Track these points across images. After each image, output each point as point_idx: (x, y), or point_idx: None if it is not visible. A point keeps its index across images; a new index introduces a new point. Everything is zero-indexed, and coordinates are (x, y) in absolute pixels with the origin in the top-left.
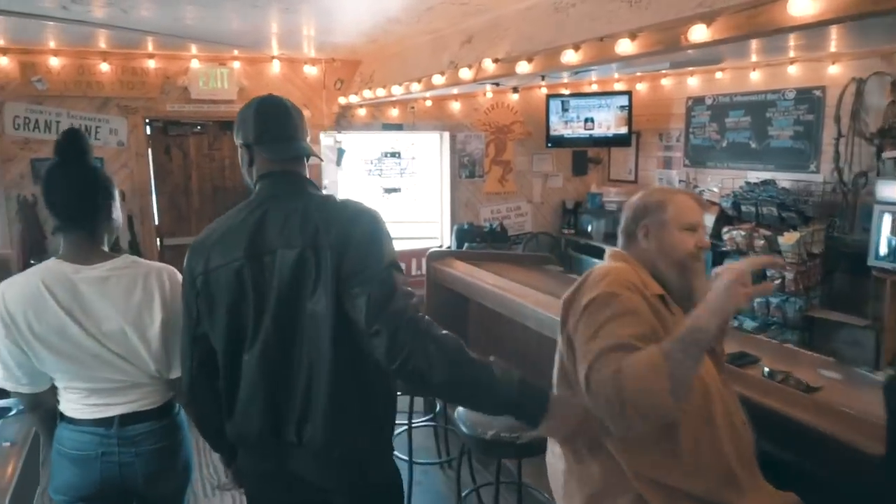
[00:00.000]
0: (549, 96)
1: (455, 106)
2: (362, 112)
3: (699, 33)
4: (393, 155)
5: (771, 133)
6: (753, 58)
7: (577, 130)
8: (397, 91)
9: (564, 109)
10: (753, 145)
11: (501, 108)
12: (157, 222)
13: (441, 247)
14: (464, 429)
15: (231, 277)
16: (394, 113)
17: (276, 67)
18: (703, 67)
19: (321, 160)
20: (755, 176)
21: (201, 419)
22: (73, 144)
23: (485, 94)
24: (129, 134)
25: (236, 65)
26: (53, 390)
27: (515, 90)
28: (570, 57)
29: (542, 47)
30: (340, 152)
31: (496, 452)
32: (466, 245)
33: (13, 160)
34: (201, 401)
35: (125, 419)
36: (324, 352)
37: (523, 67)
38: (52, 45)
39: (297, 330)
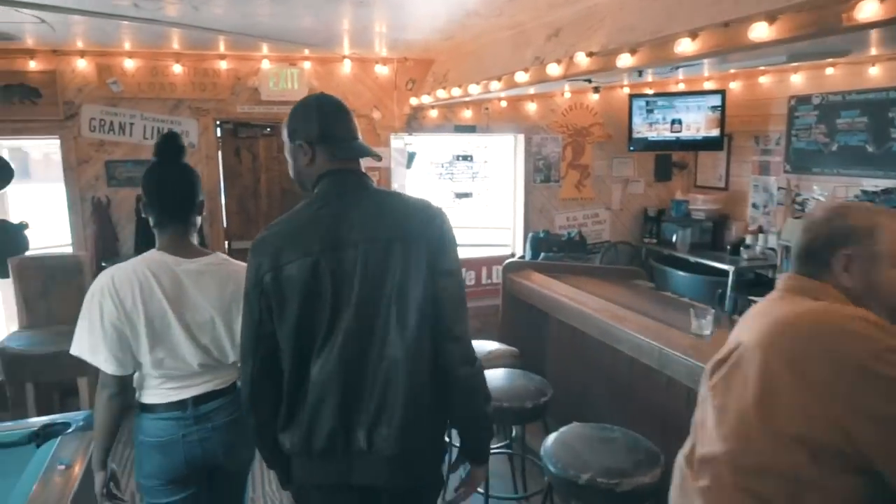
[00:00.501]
0: (632, 96)
1: (531, 107)
2: (434, 113)
3: (869, 9)
4: (465, 158)
5: (894, 136)
6: (873, 51)
7: (662, 133)
8: (474, 90)
9: (649, 110)
10: (870, 149)
11: (580, 109)
12: (225, 225)
13: (513, 255)
14: (552, 467)
15: (306, 273)
16: (467, 114)
17: (346, 67)
18: (809, 63)
19: (378, 159)
20: (872, 184)
21: (261, 428)
22: (171, 146)
23: (562, 95)
24: (199, 136)
25: (307, 65)
26: (130, 383)
27: (596, 90)
28: (685, 47)
29: (648, 37)
30: (411, 155)
31: (591, 500)
32: (543, 255)
33: (88, 162)
34: (262, 408)
35: (198, 399)
36: (407, 348)
37: (625, 60)
38: (127, 46)
39: (380, 325)
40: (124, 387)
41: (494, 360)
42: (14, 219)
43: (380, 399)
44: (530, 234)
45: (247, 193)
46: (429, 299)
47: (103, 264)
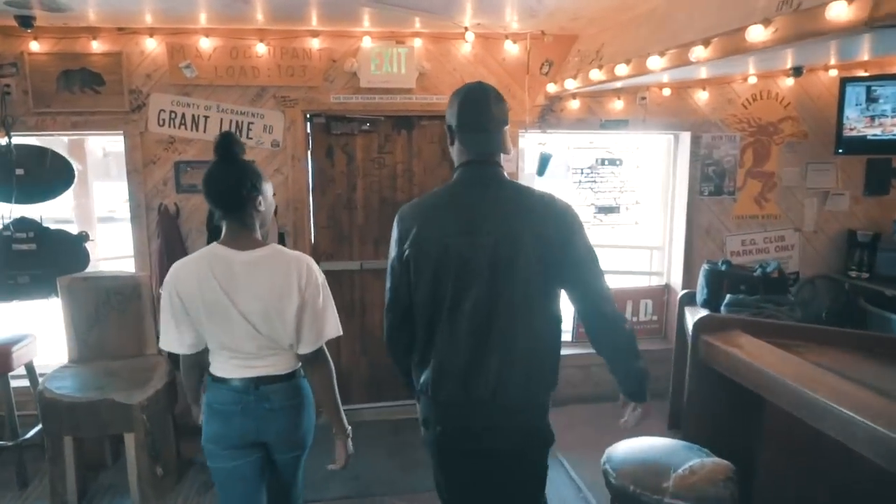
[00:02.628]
0: (844, 80)
1: (701, 96)
2: (575, 104)
3: None
4: (611, 162)
5: None
6: None
7: (890, 130)
8: (655, 64)
9: (871, 100)
10: None
11: (768, 98)
12: (313, 241)
13: (665, 285)
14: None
15: (437, 252)
16: (616, 106)
17: (466, 47)
18: None
19: (508, 153)
20: None
21: (398, 363)
22: (224, 144)
23: (745, 80)
24: (285, 132)
25: (417, 43)
26: (205, 355)
27: (797, 71)
28: None
29: None
30: (544, 159)
31: None
32: (730, 297)
33: (157, 163)
34: (398, 350)
35: (261, 380)
36: (527, 319)
37: None
38: (203, 20)
39: (501, 306)
40: (195, 363)
41: (702, 485)
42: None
43: (496, 378)
44: (706, 267)
45: (339, 204)
46: (544, 288)
47: (160, 291)
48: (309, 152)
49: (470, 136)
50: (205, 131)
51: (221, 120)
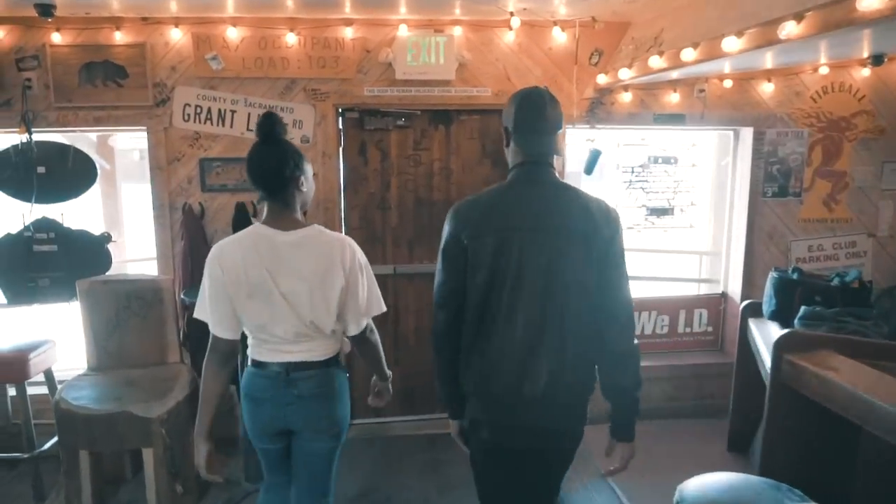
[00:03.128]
0: None
1: (765, 88)
2: (626, 97)
3: None
4: (665, 160)
5: None
6: None
7: None
8: (732, 46)
9: None
10: None
11: (840, 90)
12: None
13: (722, 294)
14: None
15: (497, 245)
16: (672, 99)
17: (509, 35)
18: None
19: (560, 155)
20: None
21: (446, 366)
22: (267, 124)
23: (815, 70)
24: (315, 127)
25: (456, 31)
26: (233, 357)
27: (877, 60)
28: None
29: None
30: (594, 156)
31: None
32: (804, 310)
33: (181, 160)
34: (450, 348)
35: (291, 366)
36: (577, 318)
37: None
38: (230, 8)
39: (551, 306)
40: (230, 353)
41: None
42: (94, 229)
43: (544, 369)
44: (774, 275)
45: (372, 204)
46: (591, 288)
47: (182, 297)
48: (340, 149)
49: (526, 138)
50: (231, 126)
51: (249, 115)
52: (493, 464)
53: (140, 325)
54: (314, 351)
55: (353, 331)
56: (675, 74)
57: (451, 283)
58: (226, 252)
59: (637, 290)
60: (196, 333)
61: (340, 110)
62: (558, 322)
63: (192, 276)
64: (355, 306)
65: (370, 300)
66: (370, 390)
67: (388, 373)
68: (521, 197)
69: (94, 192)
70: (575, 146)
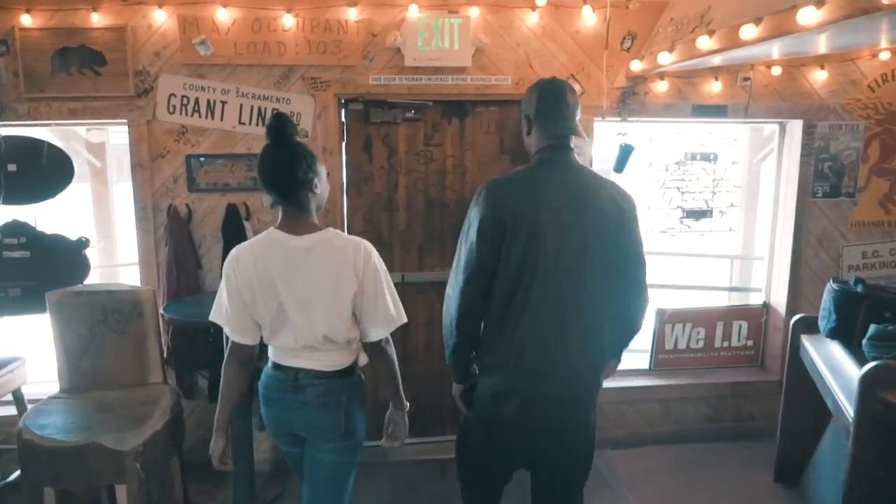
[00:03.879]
0: None
1: (818, 77)
2: (662, 86)
3: None
4: (704, 157)
5: None
6: None
7: None
8: (810, 18)
9: None
10: None
11: None
12: None
13: (765, 304)
14: None
15: (531, 222)
16: (713, 88)
17: (532, 17)
18: None
19: (582, 136)
20: None
21: (464, 344)
22: (277, 126)
23: (874, 56)
24: (315, 119)
25: (473, 12)
26: (259, 352)
27: None
28: None
29: None
30: (625, 151)
31: None
32: (875, 327)
33: (166, 157)
34: (471, 325)
35: (301, 372)
36: (602, 293)
37: None
38: None
39: (574, 279)
40: (248, 357)
41: None
42: (71, 233)
43: (574, 339)
44: (835, 287)
45: (378, 205)
46: (615, 265)
47: (162, 314)
48: (343, 144)
49: (550, 122)
50: (221, 119)
51: (241, 106)
52: (498, 437)
53: (117, 341)
54: (325, 360)
55: (373, 336)
56: (717, 60)
57: (485, 262)
58: (240, 257)
59: (668, 301)
60: (182, 349)
61: (343, 101)
62: (588, 298)
63: (177, 287)
64: (373, 312)
65: (390, 308)
66: (383, 429)
67: (406, 403)
68: (550, 177)
69: (85, 193)
70: (604, 141)
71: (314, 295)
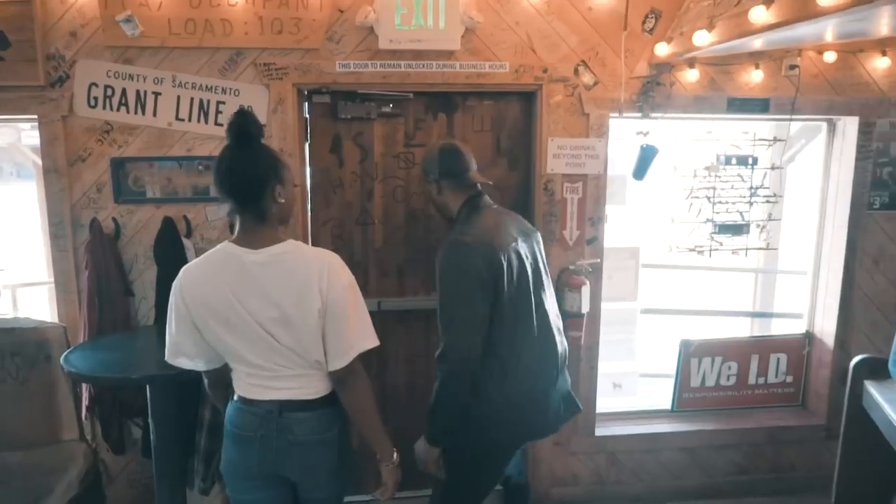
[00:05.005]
0: None
1: (878, 64)
2: (691, 76)
3: None
4: (741, 161)
5: None
6: None
7: None
8: None
9: None
10: None
11: None
12: None
13: (807, 334)
14: None
15: (506, 262)
16: (752, 77)
17: None
18: None
19: (488, 182)
20: None
21: (465, 391)
22: (239, 124)
23: None
24: (270, 115)
25: None
26: (227, 370)
27: None
28: None
29: None
30: (647, 154)
31: None
32: None
33: (86, 160)
34: (475, 365)
35: (285, 406)
36: (557, 321)
37: None
38: None
39: (545, 303)
40: (218, 379)
41: None
42: None
43: (559, 359)
44: None
45: (349, 218)
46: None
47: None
48: (306, 145)
49: (461, 176)
50: (154, 115)
51: (178, 98)
52: (491, 461)
53: (18, 391)
54: (308, 388)
55: (333, 365)
56: (758, 43)
57: (484, 310)
58: (188, 282)
59: (690, 329)
60: (108, 394)
61: (306, 93)
62: (551, 320)
63: (100, 321)
64: (337, 336)
65: (357, 329)
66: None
67: (392, 452)
68: (492, 217)
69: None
70: (621, 142)
71: (277, 314)
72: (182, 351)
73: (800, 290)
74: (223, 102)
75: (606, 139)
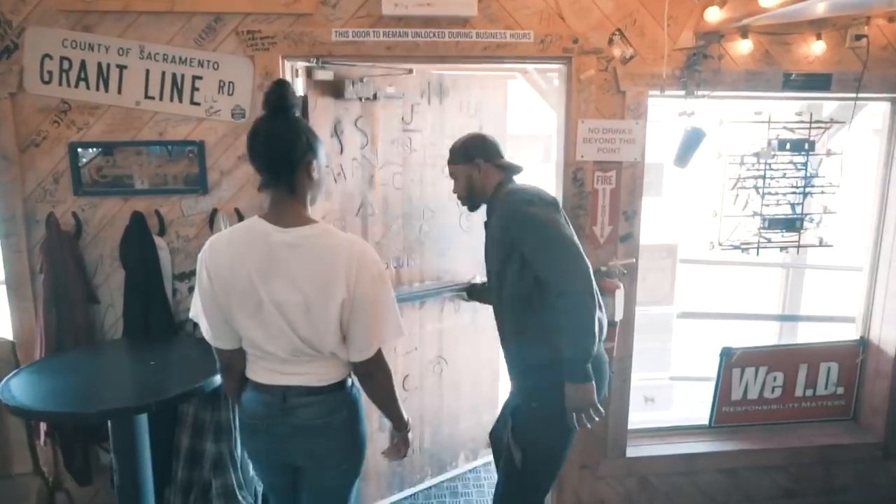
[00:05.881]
0: None
1: None
2: (743, 47)
3: None
4: (796, 146)
5: None
6: None
7: None
8: None
9: None
10: None
11: None
12: None
13: (861, 340)
14: None
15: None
16: (813, 49)
17: None
18: None
19: (519, 166)
20: None
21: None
22: (277, 93)
23: None
24: (255, 92)
25: None
26: (240, 357)
27: None
28: None
29: None
30: (692, 138)
31: None
32: None
33: (41, 146)
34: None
35: (290, 391)
36: None
37: None
38: None
39: None
40: (231, 362)
41: None
42: None
43: None
44: None
45: (348, 210)
46: None
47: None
48: None
49: (500, 158)
50: (119, 92)
51: (148, 73)
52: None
53: None
54: (316, 374)
55: (356, 357)
56: (821, 7)
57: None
58: (215, 251)
59: (730, 334)
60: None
61: (299, 70)
62: None
63: (58, 333)
64: (361, 327)
65: (382, 321)
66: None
67: (406, 417)
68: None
69: None
70: (660, 124)
71: (298, 299)
72: (204, 323)
73: (848, 290)
74: (199, 77)
75: (645, 121)
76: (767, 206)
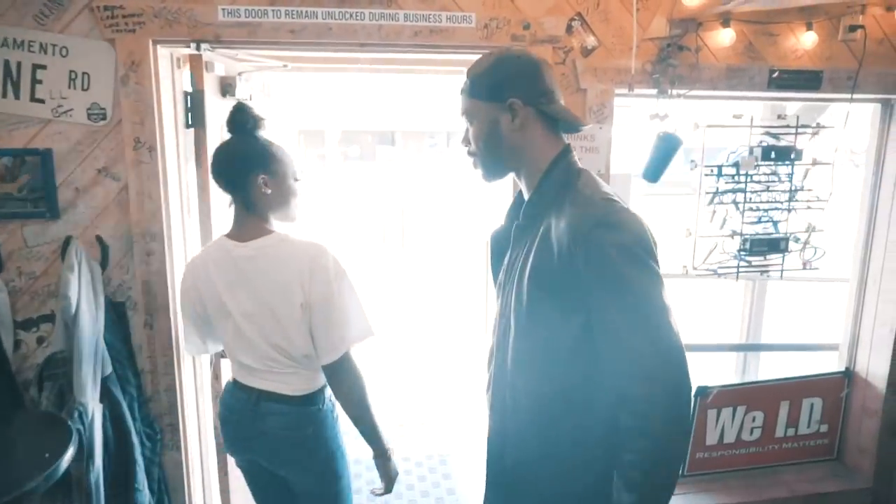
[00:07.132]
0: None
1: None
2: (724, 37)
3: None
4: (781, 154)
5: None
6: None
7: None
8: None
9: None
10: None
11: None
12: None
13: (847, 372)
14: None
15: None
16: (802, 42)
17: None
18: None
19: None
20: None
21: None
22: (236, 118)
23: None
24: (117, 87)
25: None
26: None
27: None
28: None
29: None
30: (667, 146)
31: None
32: None
33: None
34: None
35: (263, 395)
36: None
37: None
38: None
39: None
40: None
41: None
42: None
43: None
44: None
45: None
46: None
47: None
48: (184, 134)
49: (561, 108)
50: None
51: None
52: None
53: None
54: (288, 383)
55: (324, 359)
56: None
57: None
58: (189, 271)
59: (704, 369)
60: None
61: (180, 58)
62: None
63: None
64: (326, 329)
65: (345, 322)
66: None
67: (386, 439)
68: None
69: None
70: (628, 128)
71: (262, 309)
72: (189, 338)
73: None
74: (42, 66)
75: (610, 125)
76: (748, 224)
